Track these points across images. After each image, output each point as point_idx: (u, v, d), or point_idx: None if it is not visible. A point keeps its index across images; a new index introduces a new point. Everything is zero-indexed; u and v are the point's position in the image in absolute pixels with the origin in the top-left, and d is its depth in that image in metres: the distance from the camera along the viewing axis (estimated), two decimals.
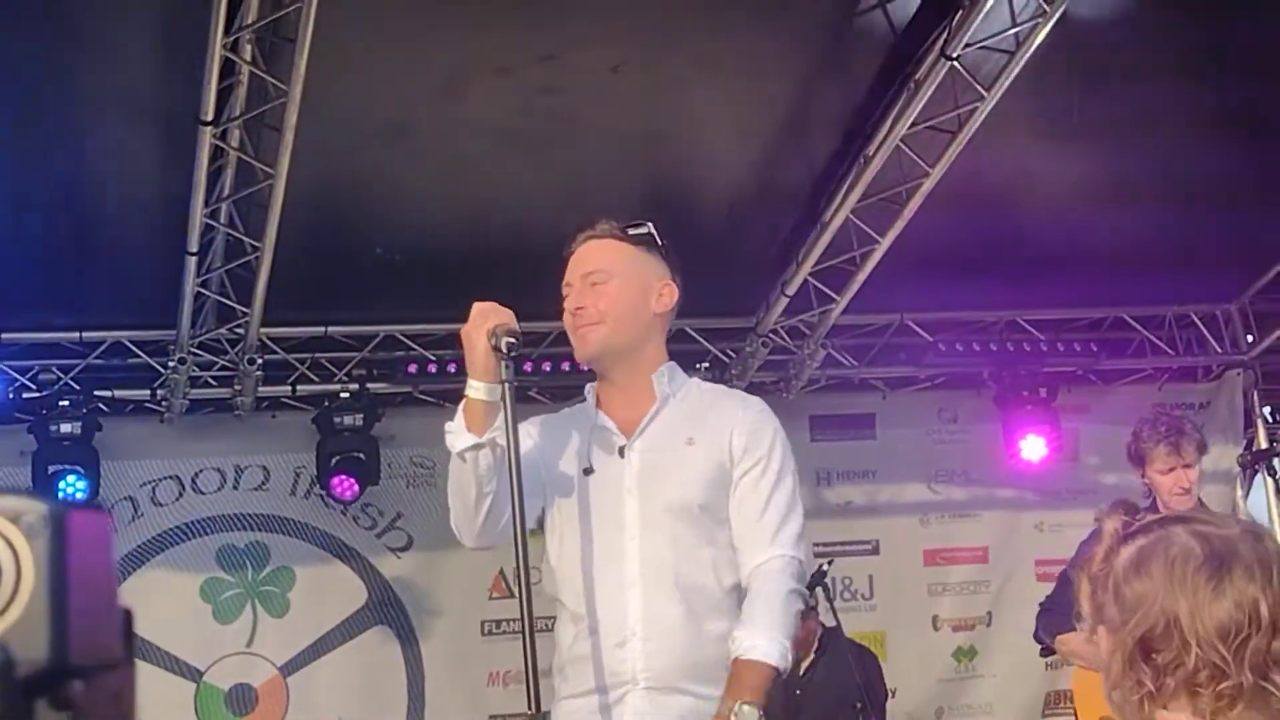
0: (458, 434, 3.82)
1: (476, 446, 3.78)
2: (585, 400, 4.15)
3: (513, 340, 3.74)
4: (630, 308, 4.06)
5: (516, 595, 3.70)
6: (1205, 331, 10.19)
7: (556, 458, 4.04)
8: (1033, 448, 9.82)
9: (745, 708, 3.73)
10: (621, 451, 3.99)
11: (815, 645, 7.89)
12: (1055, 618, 6.42)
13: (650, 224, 4.20)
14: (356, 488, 9.05)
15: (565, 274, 4.12)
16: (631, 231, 4.16)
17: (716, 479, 4.00)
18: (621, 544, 3.91)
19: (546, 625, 4.00)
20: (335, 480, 8.99)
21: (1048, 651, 6.97)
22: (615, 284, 4.05)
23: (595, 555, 3.93)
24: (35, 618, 1.09)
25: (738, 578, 3.98)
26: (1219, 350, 10.22)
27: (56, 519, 1.11)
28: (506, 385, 3.71)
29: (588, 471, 3.97)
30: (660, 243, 4.19)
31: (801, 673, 7.89)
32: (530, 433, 4.06)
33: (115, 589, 1.22)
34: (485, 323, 3.76)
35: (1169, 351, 10.16)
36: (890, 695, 9.21)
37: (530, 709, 3.56)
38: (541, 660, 3.69)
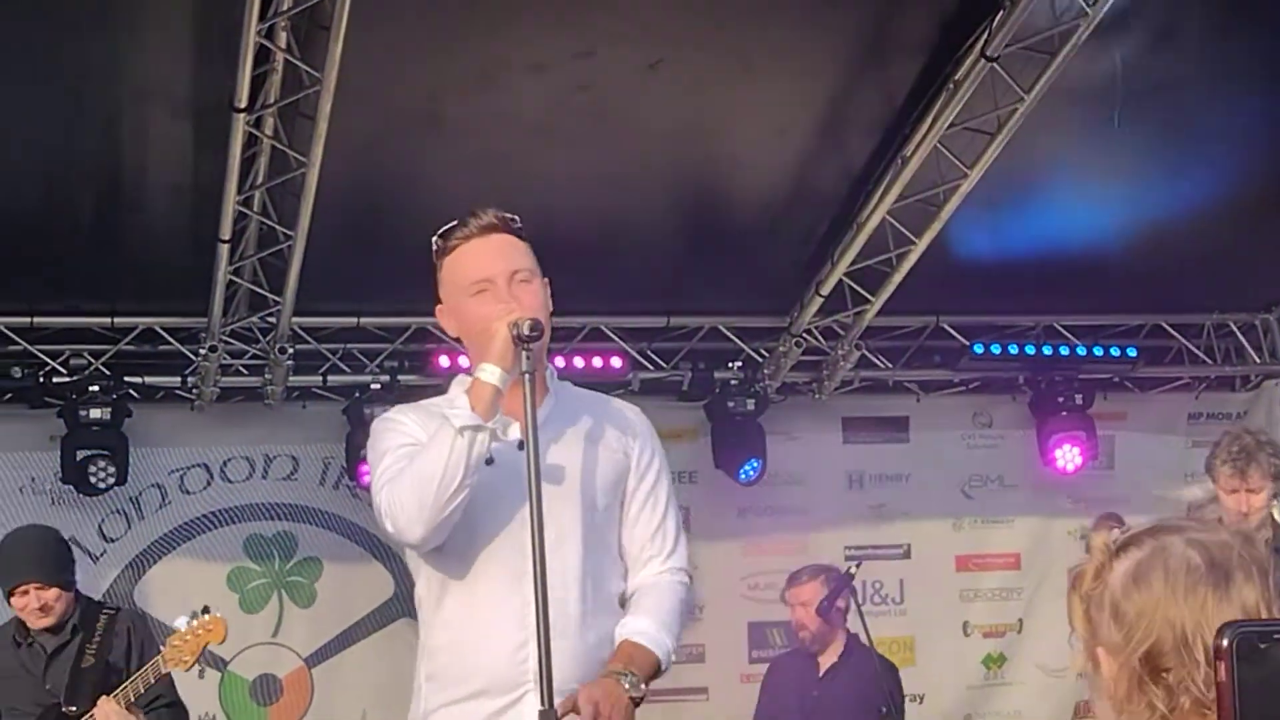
0: (461, 411, 3.68)
1: (479, 428, 3.64)
2: (451, 393, 3.89)
3: (535, 320, 3.64)
4: (548, 307, 3.88)
5: (534, 594, 3.58)
6: (1244, 341, 10.10)
7: None
8: (1067, 454, 9.75)
9: (634, 677, 3.63)
10: (520, 444, 3.73)
11: (841, 650, 7.82)
12: None
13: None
14: None
15: (466, 268, 3.85)
16: (517, 226, 3.91)
17: (616, 484, 3.93)
18: (525, 538, 3.61)
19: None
20: (364, 466, 8.95)
21: None
22: (538, 284, 3.86)
23: (496, 551, 3.76)
24: None
25: (625, 584, 3.94)
26: (1257, 360, 10.12)
27: None
28: (527, 376, 3.61)
29: (489, 462, 3.72)
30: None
31: (821, 674, 7.83)
32: (414, 420, 3.86)
33: None
34: (508, 316, 3.68)
35: (1207, 360, 10.08)
36: (918, 701, 9.15)
37: (543, 704, 3.48)
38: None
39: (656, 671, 3.75)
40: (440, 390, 4.05)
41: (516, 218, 3.91)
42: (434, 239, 3.94)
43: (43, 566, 6.39)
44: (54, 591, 6.36)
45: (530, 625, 3.63)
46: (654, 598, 3.87)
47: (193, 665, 6.32)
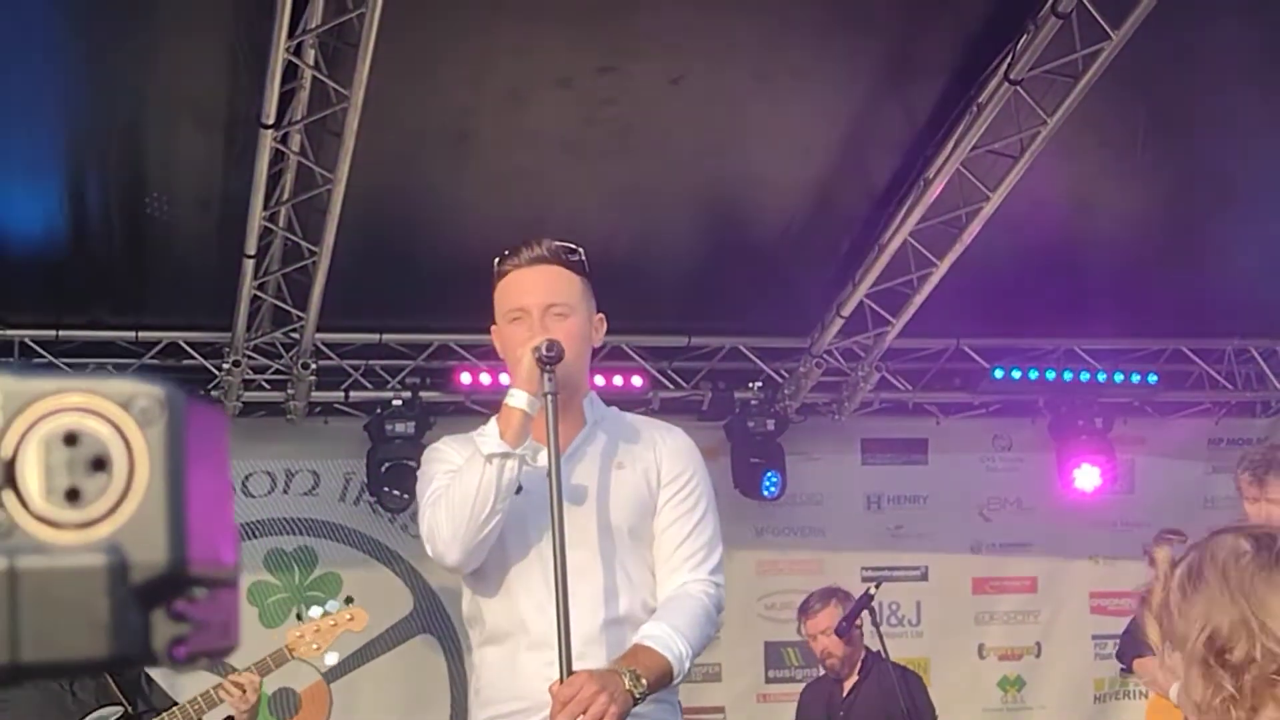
0: (490, 438, 3.79)
1: (507, 455, 3.73)
2: (489, 424, 3.95)
3: (551, 340, 3.72)
4: (584, 344, 3.98)
5: (556, 611, 3.65)
6: (1265, 367, 10.08)
7: None
8: (1087, 478, 9.74)
9: (634, 673, 3.63)
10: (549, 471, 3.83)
11: (859, 667, 7.81)
12: (1137, 640, 6.44)
13: (581, 250, 4.01)
14: None
15: (509, 295, 3.96)
16: (573, 258, 3.99)
17: (645, 504, 3.98)
18: (549, 563, 3.73)
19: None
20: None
21: (1127, 671, 6.98)
22: (575, 321, 3.93)
23: (523, 572, 3.88)
24: (151, 517, 0.94)
25: (655, 602, 3.97)
26: (1278, 386, 10.11)
27: (174, 406, 0.96)
28: (549, 398, 3.70)
29: (518, 490, 3.82)
30: (588, 271, 4.04)
31: (845, 694, 7.82)
32: (456, 450, 3.98)
33: (230, 493, 1.07)
34: (534, 341, 3.76)
35: (1228, 386, 10.06)
36: None
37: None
38: None
39: (668, 675, 3.75)
40: (466, 409, 4.14)
41: (577, 250, 3.98)
42: (495, 261, 4.03)
43: None
44: None
45: (555, 642, 3.70)
46: (672, 606, 3.90)
47: (325, 652, 6.69)
